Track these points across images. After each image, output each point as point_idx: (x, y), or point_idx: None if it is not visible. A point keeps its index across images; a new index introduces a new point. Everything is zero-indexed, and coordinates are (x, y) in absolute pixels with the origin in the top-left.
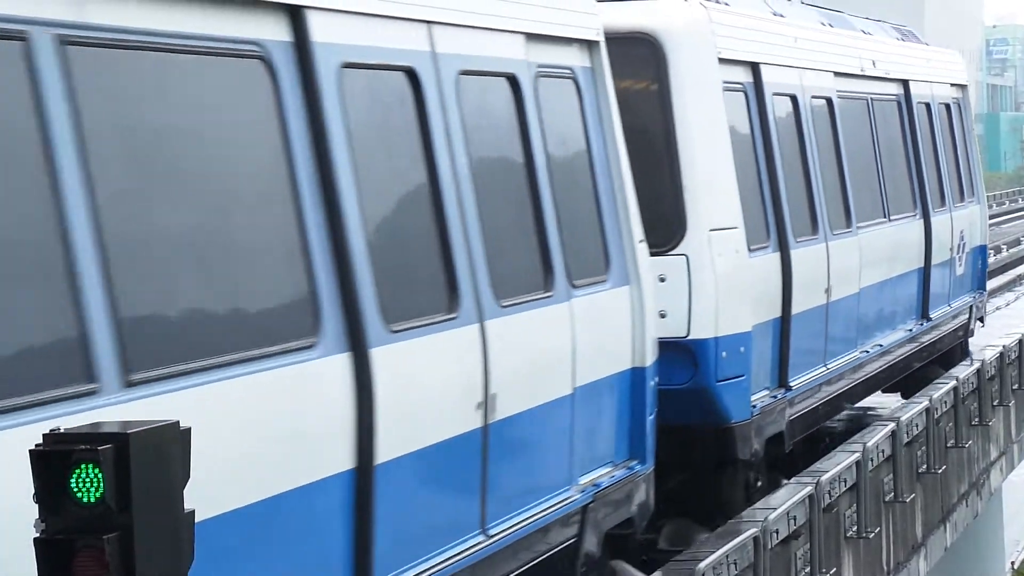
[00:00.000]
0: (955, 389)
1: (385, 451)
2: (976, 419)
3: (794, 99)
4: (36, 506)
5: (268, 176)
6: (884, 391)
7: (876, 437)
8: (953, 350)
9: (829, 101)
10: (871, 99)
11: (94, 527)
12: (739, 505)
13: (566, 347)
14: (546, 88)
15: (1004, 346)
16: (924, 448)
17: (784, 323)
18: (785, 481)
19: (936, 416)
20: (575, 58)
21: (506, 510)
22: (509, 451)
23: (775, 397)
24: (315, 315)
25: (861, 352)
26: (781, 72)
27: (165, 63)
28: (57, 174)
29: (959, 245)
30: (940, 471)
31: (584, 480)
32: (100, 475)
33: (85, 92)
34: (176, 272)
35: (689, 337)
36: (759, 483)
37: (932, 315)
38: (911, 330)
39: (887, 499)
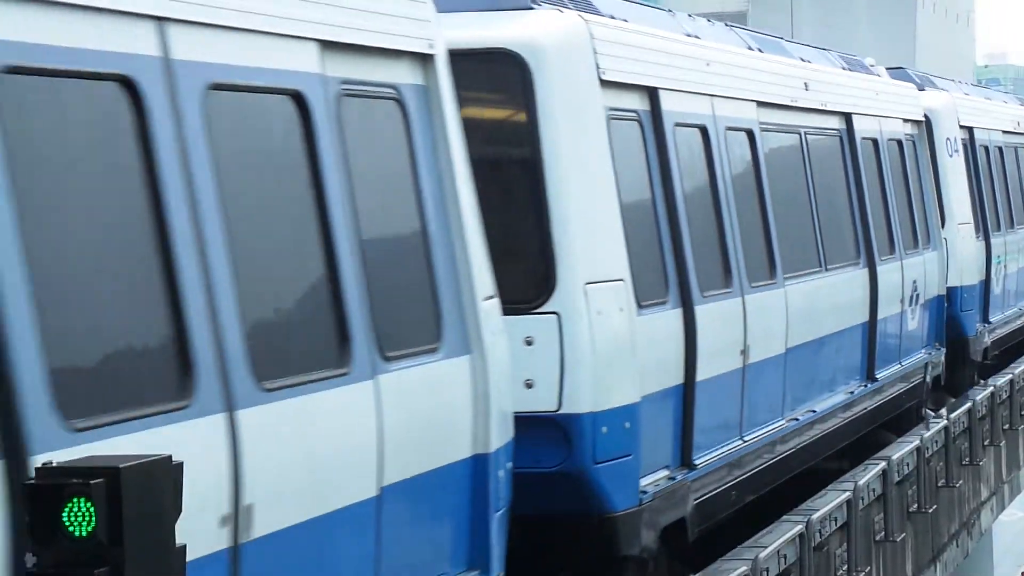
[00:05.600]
0: (946, 429)
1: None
2: (967, 459)
3: (703, 130)
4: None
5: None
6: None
7: (867, 476)
8: (906, 413)
9: (749, 133)
10: (804, 133)
11: (86, 561)
12: None
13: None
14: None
15: (995, 385)
16: (915, 487)
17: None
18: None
19: (927, 455)
20: (401, 74)
21: None
22: None
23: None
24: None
25: (789, 421)
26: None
27: None
28: None
29: (912, 296)
30: (931, 510)
31: None
32: (92, 509)
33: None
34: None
35: (561, 411)
36: None
37: (878, 375)
38: (852, 392)
39: (878, 538)
